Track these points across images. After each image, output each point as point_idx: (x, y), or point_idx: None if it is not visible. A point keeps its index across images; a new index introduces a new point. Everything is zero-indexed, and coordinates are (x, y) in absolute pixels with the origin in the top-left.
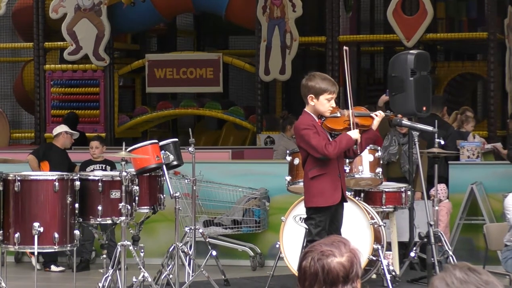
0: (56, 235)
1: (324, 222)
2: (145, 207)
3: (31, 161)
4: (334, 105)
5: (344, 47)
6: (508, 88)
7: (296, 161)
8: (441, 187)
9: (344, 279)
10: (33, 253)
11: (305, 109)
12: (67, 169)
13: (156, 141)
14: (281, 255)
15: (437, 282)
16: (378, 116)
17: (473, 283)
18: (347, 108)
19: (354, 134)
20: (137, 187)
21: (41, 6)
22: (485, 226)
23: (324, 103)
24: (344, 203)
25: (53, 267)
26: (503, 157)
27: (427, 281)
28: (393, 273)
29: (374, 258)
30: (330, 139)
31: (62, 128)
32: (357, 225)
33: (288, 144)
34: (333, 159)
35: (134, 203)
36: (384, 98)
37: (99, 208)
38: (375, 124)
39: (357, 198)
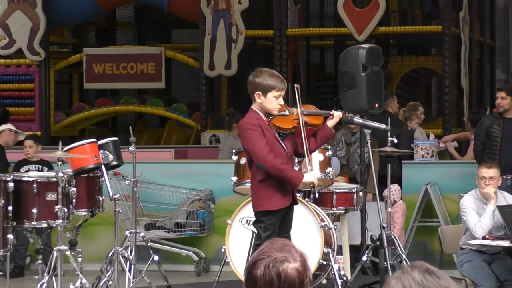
0: None
1: (274, 225)
2: (83, 210)
3: None
4: (282, 102)
5: (296, 85)
6: (464, 84)
7: (243, 160)
8: (395, 187)
9: (300, 284)
10: None
11: (252, 106)
12: (5, 168)
13: (95, 140)
14: (226, 260)
15: (394, 282)
16: (335, 117)
17: None
18: (296, 106)
19: (307, 177)
20: (75, 189)
21: None
22: (440, 229)
23: (272, 101)
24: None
25: None
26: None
27: (379, 286)
28: (344, 278)
29: (324, 263)
30: (278, 138)
31: (7, 125)
32: (306, 228)
33: (234, 143)
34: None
35: (71, 206)
36: None
37: (34, 211)
38: (332, 123)
39: (306, 199)
